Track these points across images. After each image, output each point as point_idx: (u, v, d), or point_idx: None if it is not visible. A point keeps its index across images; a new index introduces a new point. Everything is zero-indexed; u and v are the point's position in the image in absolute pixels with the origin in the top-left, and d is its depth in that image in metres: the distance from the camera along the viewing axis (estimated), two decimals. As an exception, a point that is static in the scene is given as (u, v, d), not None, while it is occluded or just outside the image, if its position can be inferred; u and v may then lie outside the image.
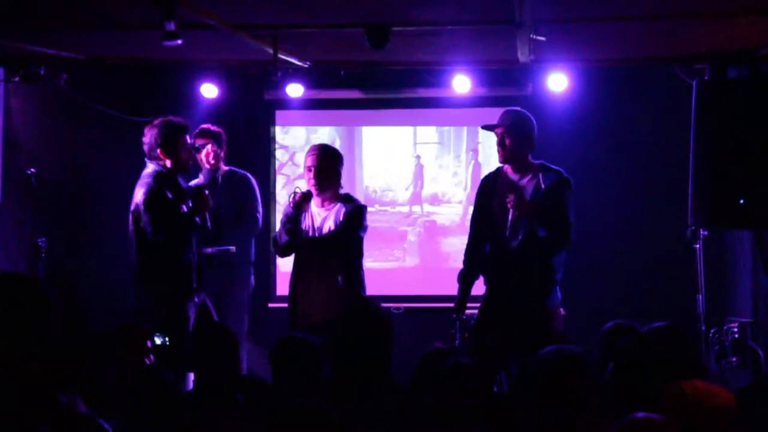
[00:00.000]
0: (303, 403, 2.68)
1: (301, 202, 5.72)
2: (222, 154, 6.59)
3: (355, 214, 5.72)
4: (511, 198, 5.48)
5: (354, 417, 3.02)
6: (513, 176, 5.68)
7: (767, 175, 5.96)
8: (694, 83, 6.26)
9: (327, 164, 5.76)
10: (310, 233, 5.78)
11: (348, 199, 5.84)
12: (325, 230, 5.74)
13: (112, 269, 7.58)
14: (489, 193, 5.74)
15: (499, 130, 5.65)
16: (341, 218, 5.73)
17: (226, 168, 6.83)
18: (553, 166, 5.73)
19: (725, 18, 5.62)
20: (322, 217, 5.79)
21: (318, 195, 5.76)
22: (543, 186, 5.56)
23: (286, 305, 7.39)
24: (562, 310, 6.24)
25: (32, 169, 6.63)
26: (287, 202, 5.83)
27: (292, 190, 5.81)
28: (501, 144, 5.64)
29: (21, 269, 7.04)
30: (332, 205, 5.80)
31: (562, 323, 5.89)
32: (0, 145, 6.96)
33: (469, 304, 5.91)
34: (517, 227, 5.55)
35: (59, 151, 7.64)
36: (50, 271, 6.69)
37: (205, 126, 6.58)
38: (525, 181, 5.65)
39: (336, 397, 3.21)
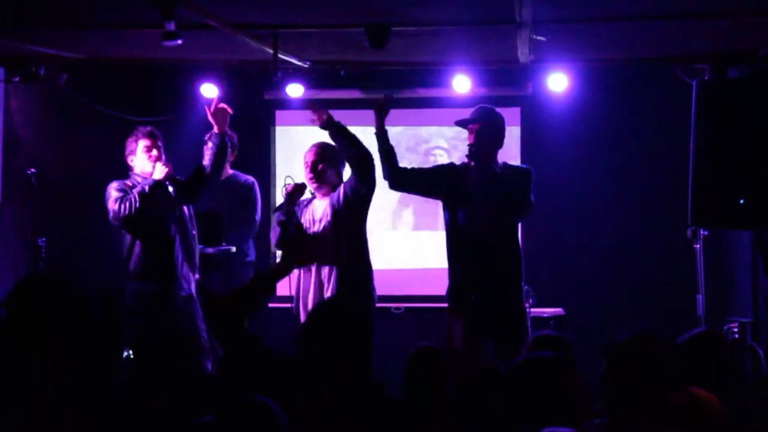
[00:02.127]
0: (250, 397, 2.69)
1: (293, 193, 5.71)
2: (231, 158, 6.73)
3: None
4: None
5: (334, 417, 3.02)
6: (478, 175, 5.52)
7: (767, 175, 5.96)
8: (694, 83, 6.26)
9: (326, 160, 5.78)
10: (312, 229, 5.77)
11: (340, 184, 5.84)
12: (323, 219, 5.72)
13: (112, 269, 7.58)
14: (455, 179, 5.59)
15: (473, 126, 5.57)
16: (339, 194, 5.71)
17: (230, 171, 6.87)
18: (517, 165, 5.80)
19: (725, 18, 5.61)
20: (321, 212, 5.79)
21: (317, 190, 5.76)
22: (507, 177, 5.49)
23: (286, 305, 7.37)
24: (560, 309, 6.26)
25: (32, 169, 6.61)
26: (283, 200, 5.82)
27: (284, 183, 5.80)
28: (475, 140, 5.52)
29: (21, 269, 7.03)
30: (327, 198, 5.80)
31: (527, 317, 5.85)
32: (0, 145, 6.96)
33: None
34: (486, 216, 5.49)
35: (59, 151, 7.63)
36: (50, 270, 6.68)
37: None
38: (492, 171, 5.54)
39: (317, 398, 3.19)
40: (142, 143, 6.09)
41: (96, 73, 7.37)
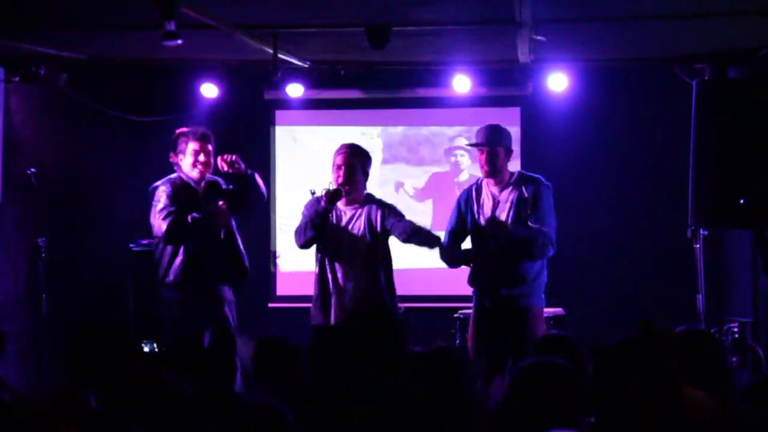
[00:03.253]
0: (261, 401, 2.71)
1: (334, 197, 5.73)
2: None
3: (392, 207, 5.87)
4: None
5: (361, 419, 3.03)
6: (494, 189, 5.84)
7: (767, 175, 5.96)
8: (694, 83, 6.25)
9: (356, 163, 5.80)
10: (344, 234, 5.83)
11: (374, 200, 5.90)
12: (356, 230, 5.79)
13: (112, 269, 7.59)
14: (471, 206, 5.90)
15: (487, 149, 5.77)
16: (378, 212, 5.78)
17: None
18: (532, 174, 5.93)
19: (725, 18, 5.61)
20: (349, 216, 5.82)
21: (346, 193, 5.78)
22: (527, 196, 5.75)
23: (286, 305, 7.41)
24: (561, 309, 6.28)
25: (32, 169, 6.61)
26: (316, 198, 5.82)
27: (324, 188, 5.79)
28: (489, 162, 5.78)
29: (21, 269, 7.04)
30: (357, 205, 5.83)
31: (543, 326, 5.98)
32: (0, 145, 6.95)
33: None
34: (502, 238, 5.76)
35: (59, 151, 7.63)
36: (50, 271, 6.68)
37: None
38: (506, 193, 5.81)
39: (343, 399, 3.21)
40: (192, 146, 5.94)
41: (96, 73, 7.37)
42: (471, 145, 6.01)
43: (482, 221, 5.83)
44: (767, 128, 5.97)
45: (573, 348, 3.93)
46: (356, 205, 5.86)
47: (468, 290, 6.13)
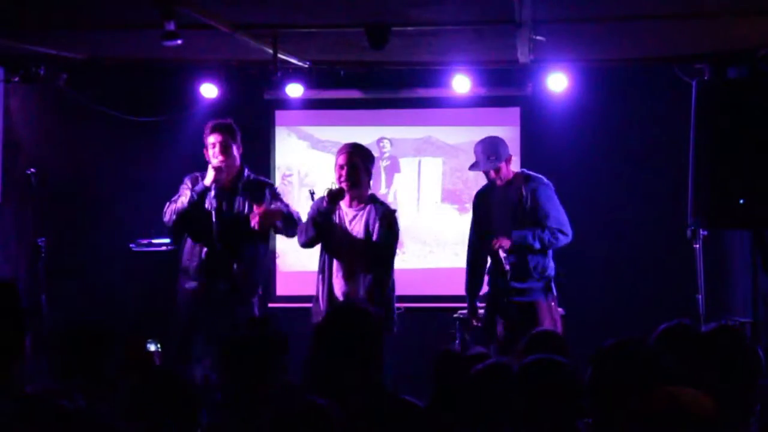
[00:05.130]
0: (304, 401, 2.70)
1: (336, 197, 5.73)
2: None
3: (390, 222, 5.85)
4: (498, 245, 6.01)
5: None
6: (502, 188, 6.17)
7: (767, 175, 5.96)
8: (694, 83, 6.26)
9: (359, 162, 5.79)
10: (345, 235, 5.83)
11: (376, 201, 5.89)
12: (356, 232, 5.79)
13: (112, 269, 7.59)
14: (485, 207, 6.25)
15: (499, 165, 6.09)
16: (375, 223, 5.77)
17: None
18: (533, 174, 6.22)
19: (725, 18, 5.61)
20: (351, 216, 5.81)
21: (348, 192, 5.77)
22: (526, 196, 6.08)
23: (286, 305, 7.41)
24: (561, 309, 6.29)
25: (32, 169, 6.61)
26: (321, 198, 5.82)
27: (327, 187, 5.79)
28: (497, 177, 6.14)
29: (21, 269, 7.04)
30: (360, 206, 5.82)
31: (559, 322, 6.17)
32: (0, 145, 6.96)
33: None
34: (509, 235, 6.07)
35: (59, 151, 7.63)
36: (50, 270, 6.68)
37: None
38: (511, 191, 6.13)
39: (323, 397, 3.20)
40: (208, 139, 5.99)
41: (96, 73, 7.37)
42: (474, 169, 6.24)
43: (492, 221, 6.18)
44: (767, 128, 5.98)
45: (562, 346, 3.95)
46: (360, 206, 5.84)
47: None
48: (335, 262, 5.82)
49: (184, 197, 5.90)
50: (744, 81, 6.53)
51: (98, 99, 7.44)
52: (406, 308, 6.50)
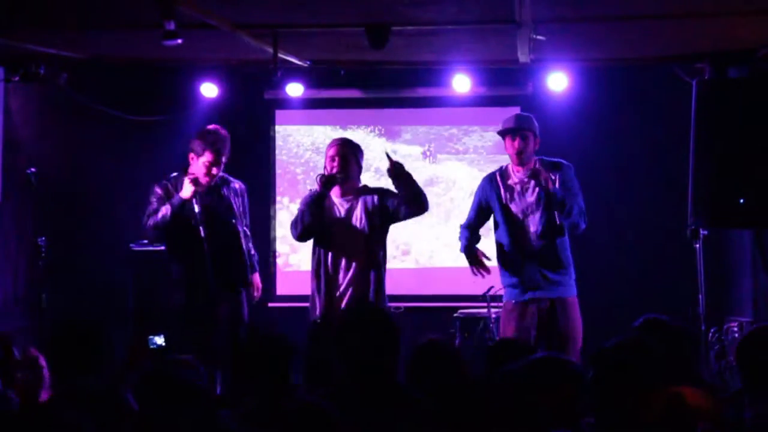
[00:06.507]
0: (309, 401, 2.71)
1: (328, 183, 5.70)
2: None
3: (391, 192, 5.77)
4: (539, 176, 5.73)
5: (361, 420, 3.03)
6: (520, 174, 5.92)
7: (767, 175, 5.96)
8: (694, 83, 6.26)
9: (349, 153, 5.78)
10: (340, 226, 5.78)
11: (368, 189, 5.85)
12: (354, 219, 5.72)
13: (112, 269, 7.59)
14: (497, 192, 5.96)
15: (519, 135, 5.85)
16: (375, 202, 5.72)
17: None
18: (552, 159, 5.98)
19: (725, 18, 5.61)
20: (345, 208, 5.77)
21: (340, 183, 5.74)
22: (555, 180, 5.83)
23: (286, 305, 7.39)
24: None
25: (32, 169, 6.62)
26: (311, 191, 5.80)
27: (318, 173, 5.73)
28: (521, 147, 5.86)
29: (21, 269, 7.04)
30: (351, 196, 5.78)
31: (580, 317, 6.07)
32: (0, 145, 6.96)
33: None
34: (536, 220, 5.87)
35: (59, 150, 7.64)
36: (50, 271, 6.68)
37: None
38: (539, 175, 5.84)
39: (343, 400, 3.21)
40: (205, 156, 5.80)
41: (96, 73, 7.37)
42: (502, 132, 5.96)
43: (514, 209, 5.91)
44: (767, 128, 5.98)
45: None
46: (351, 197, 5.79)
47: (467, 290, 6.15)
48: (330, 257, 5.77)
49: (165, 210, 5.77)
50: (744, 81, 6.53)
51: (98, 99, 7.45)
52: (406, 308, 6.50)
